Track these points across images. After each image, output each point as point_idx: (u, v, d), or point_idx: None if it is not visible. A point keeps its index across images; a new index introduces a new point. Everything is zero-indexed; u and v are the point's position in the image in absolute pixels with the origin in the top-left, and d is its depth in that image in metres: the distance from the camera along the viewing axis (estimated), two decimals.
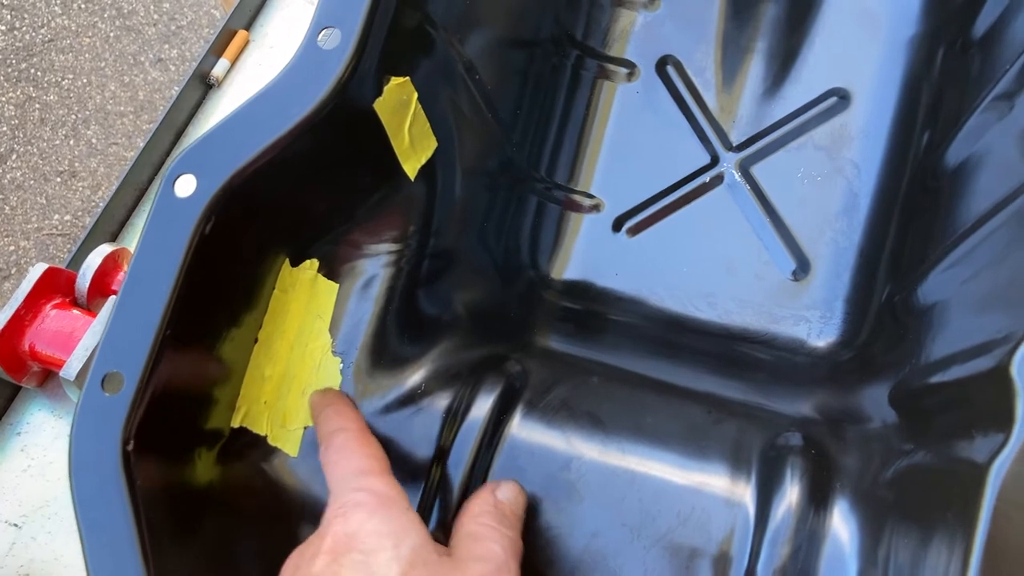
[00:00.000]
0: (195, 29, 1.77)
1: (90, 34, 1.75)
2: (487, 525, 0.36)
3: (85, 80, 1.70)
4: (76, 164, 1.63)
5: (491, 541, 0.35)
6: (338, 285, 0.42)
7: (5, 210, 1.57)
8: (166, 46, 1.75)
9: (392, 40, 0.37)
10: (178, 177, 0.33)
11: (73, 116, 1.67)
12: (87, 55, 1.73)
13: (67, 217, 1.60)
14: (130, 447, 0.32)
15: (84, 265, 0.53)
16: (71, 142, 1.65)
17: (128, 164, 0.60)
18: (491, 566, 0.34)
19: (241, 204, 0.34)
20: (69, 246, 1.57)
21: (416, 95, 0.40)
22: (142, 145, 0.60)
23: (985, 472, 0.28)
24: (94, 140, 1.66)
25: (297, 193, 0.38)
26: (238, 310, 0.39)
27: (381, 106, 0.38)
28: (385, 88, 0.37)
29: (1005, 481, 0.28)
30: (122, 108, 1.68)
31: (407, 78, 0.39)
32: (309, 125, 0.34)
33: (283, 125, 0.34)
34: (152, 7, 1.78)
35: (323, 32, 0.34)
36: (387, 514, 0.33)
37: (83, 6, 1.77)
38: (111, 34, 1.75)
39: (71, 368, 0.49)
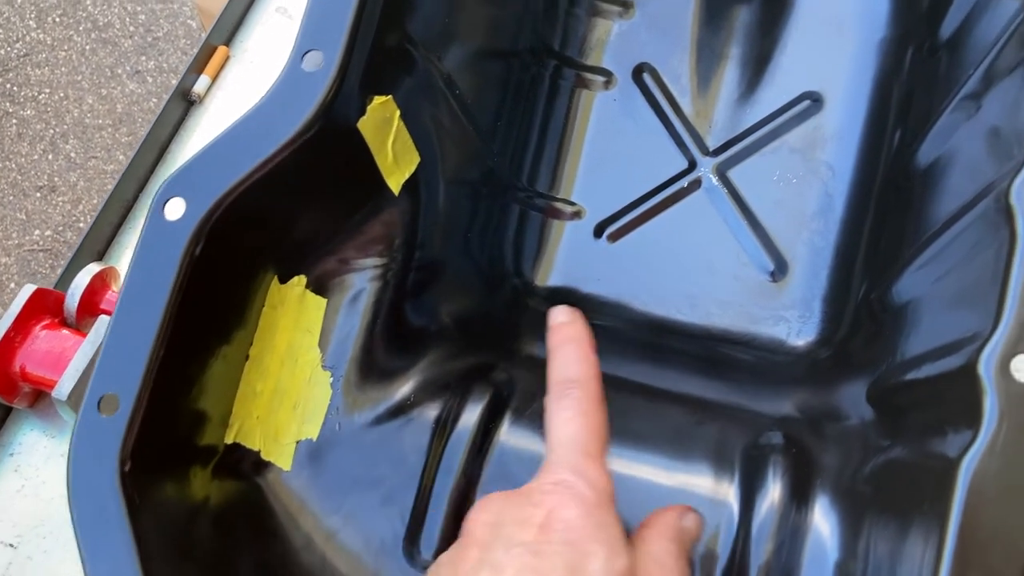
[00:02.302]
0: (171, 40, 1.77)
1: (66, 47, 1.74)
2: (673, 555, 0.35)
3: (62, 94, 1.70)
4: (56, 179, 1.62)
5: (673, 573, 0.35)
6: (326, 300, 0.43)
7: None
8: (143, 58, 1.75)
9: (374, 60, 0.37)
10: (167, 200, 0.34)
11: (51, 130, 1.66)
12: (63, 69, 1.72)
13: (48, 232, 1.59)
14: (127, 468, 0.32)
15: (72, 285, 0.54)
16: (50, 157, 1.64)
17: (113, 182, 0.60)
18: None
19: (230, 225, 0.35)
20: (51, 261, 1.57)
21: (398, 112, 0.40)
22: (126, 163, 0.61)
23: (956, 467, 0.29)
24: (73, 154, 1.65)
25: (284, 212, 0.39)
26: (229, 328, 0.39)
27: (365, 125, 0.38)
28: (368, 107, 0.38)
29: (975, 475, 0.29)
30: (100, 121, 1.68)
31: (389, 96, 0.39)
32: (295, 146, 0.34)
33: (269, 147, 0.34)
34: (128, 19, 1.77)
35: (306, 55, 0.35)
36: (602, 519, 0.33)
37: (58, 20, 1.76)
38: (87, 47, 1.74)
39: (63, 388, 0.50)
